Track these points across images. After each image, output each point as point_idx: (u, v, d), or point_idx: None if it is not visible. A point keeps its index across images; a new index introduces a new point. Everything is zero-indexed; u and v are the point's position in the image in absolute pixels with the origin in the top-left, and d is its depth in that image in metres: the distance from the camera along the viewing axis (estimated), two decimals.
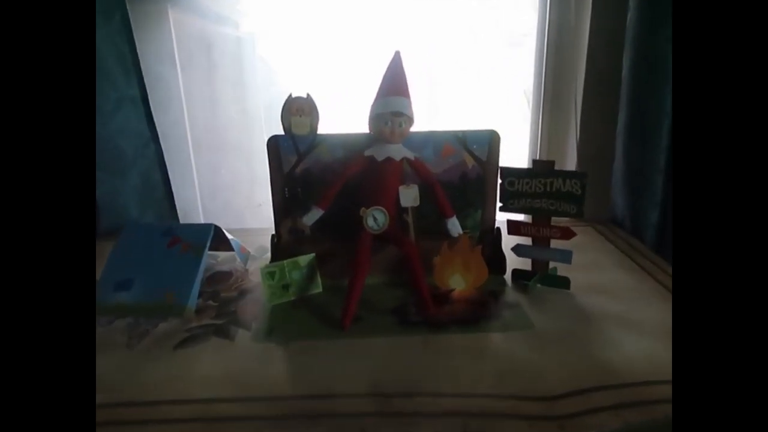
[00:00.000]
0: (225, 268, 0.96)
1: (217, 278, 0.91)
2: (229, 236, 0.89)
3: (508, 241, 0.88)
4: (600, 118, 1.16)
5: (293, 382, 0.61)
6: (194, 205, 1.42)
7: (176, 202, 1.33)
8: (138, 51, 1.10)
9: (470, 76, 1.24)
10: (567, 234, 0.80)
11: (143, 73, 1.09)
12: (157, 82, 1.27)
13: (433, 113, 1.17)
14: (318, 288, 0.84)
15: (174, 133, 1.33)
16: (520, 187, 0.81)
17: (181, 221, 1.26)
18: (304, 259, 0.83)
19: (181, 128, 1.34)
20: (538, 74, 1.25)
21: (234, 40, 1.36)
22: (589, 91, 1.16)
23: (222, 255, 1.01)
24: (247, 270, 0.94)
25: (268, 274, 0.80)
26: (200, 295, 0.84)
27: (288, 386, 0.60)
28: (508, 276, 0.89)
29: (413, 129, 0.82)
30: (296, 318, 0.76)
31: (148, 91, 1.10)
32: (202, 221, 1.40)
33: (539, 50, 1.23)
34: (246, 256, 0.94)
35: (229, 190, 1.47)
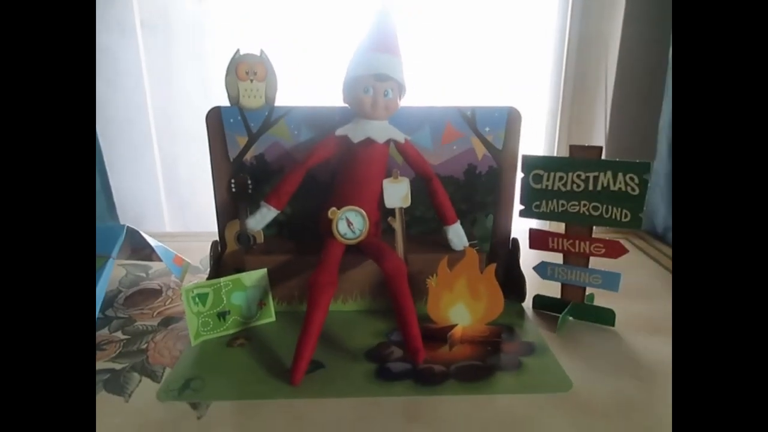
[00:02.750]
0: (156, 284, 0.73)
1: (139, 299, 0.68)
2: (154, 242, 0.66)
3: (527, 258, 0.66)
4: (638, 105, 0.94)
5: None
6: (155, 202, 1.19)
7: (133, 200, 1.13)
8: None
9: (480, 40, 0.98)
10: (615, 250, 0.57)
11: None
12: (102, 55, 1.05)
13: (432, 89, 0.94)
14: (269, 317, 0.62)
15: (125, 116, 1.11)
16: (550, 184, 0.59)
17: (137, 222, 1.04)
18: (251, 277, 0.60)
19: (135, 110, 1.12)
20: (557, 49, 1.01)
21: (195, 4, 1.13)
22: (624, 71, 0.93)
23: (156, 267, 0.79)
24: None
25: (197, 298, 0.57)
26: (109, 322, 0.62)
27: None
28: (526, 304, 0.66)
29: (404, 103, 0.60)
30: (230, 363, 0.53)
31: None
32: (166, 223, 1.18)
33: (561, 16, 0.99)
34: (183, 269, 0.71)
35: (193, 185, 1.24)
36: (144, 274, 0.76)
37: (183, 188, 1.20)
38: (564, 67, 0.99)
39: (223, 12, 1.04)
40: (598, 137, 1.01)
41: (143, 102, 1.11)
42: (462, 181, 0.67)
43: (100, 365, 0.53)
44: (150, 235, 0.68)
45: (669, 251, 0.88)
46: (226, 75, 0.61)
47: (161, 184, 1.19)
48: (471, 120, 0.64)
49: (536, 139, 1.06)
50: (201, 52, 1.09)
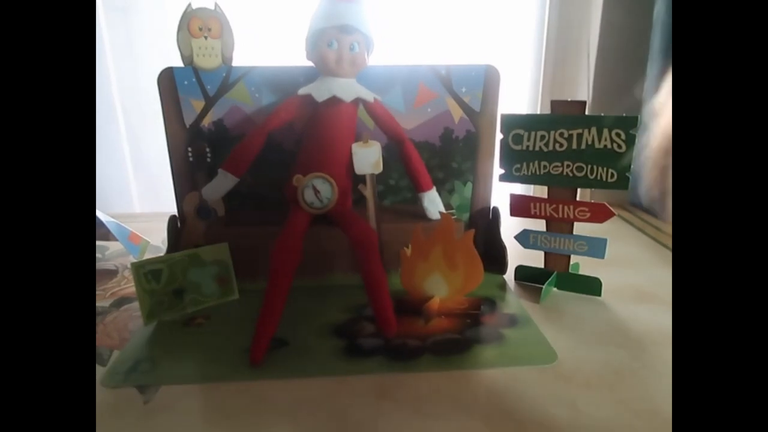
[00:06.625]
0: (111, 264, 0.68)
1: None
2: (105, 218, 0.61)
3: (509, 227, 0.62)
4: (621, 69, 0.91)
5: None
6: (123, 183, 1.13)
7: (100, 181, 1.07)
8: None
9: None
10: (601, 214, 0.54)
11: None
12: None
13: (405, 47, 0.88)
14: (232, 295, 0.57)
15: None
16: (531, 144, 0.55)
17: (105, 203, 0.98)
18: (211, 251, 0.56)
19: (99, 88, 1.06)
20: (539, 8, 0.97)
21: None
22: (606, 34, 0.90)
23: (113, 247, 0.73)
24: None
25: (149, 274, 0.52)
26: None
27: None
28: (508, 276, 0.63)
29: (374, 62, 0.56)
30: (185, 344, 0.49)
31: None
32: (135, 204, 1.12)
33: None
34: (141, 248, 0.66)
35: (161, 164, 1.18)
36: (100, 255, 0.71)
37: (151, 168, 1.14)
38: (546, 27, 0.95)
39: None
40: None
41: (107, 80, 1.05)
42: (438, 147, 0.62)
43: None
44: (114, 216, 0.62)
45: (655, 222, 0.85)
46: (178, 31, 0.56)
47: (129, 165, 1.14)
48: (446, 79, 0.60)
49: (517, 104, 1.02)
50: (163, 28, 1.03)
